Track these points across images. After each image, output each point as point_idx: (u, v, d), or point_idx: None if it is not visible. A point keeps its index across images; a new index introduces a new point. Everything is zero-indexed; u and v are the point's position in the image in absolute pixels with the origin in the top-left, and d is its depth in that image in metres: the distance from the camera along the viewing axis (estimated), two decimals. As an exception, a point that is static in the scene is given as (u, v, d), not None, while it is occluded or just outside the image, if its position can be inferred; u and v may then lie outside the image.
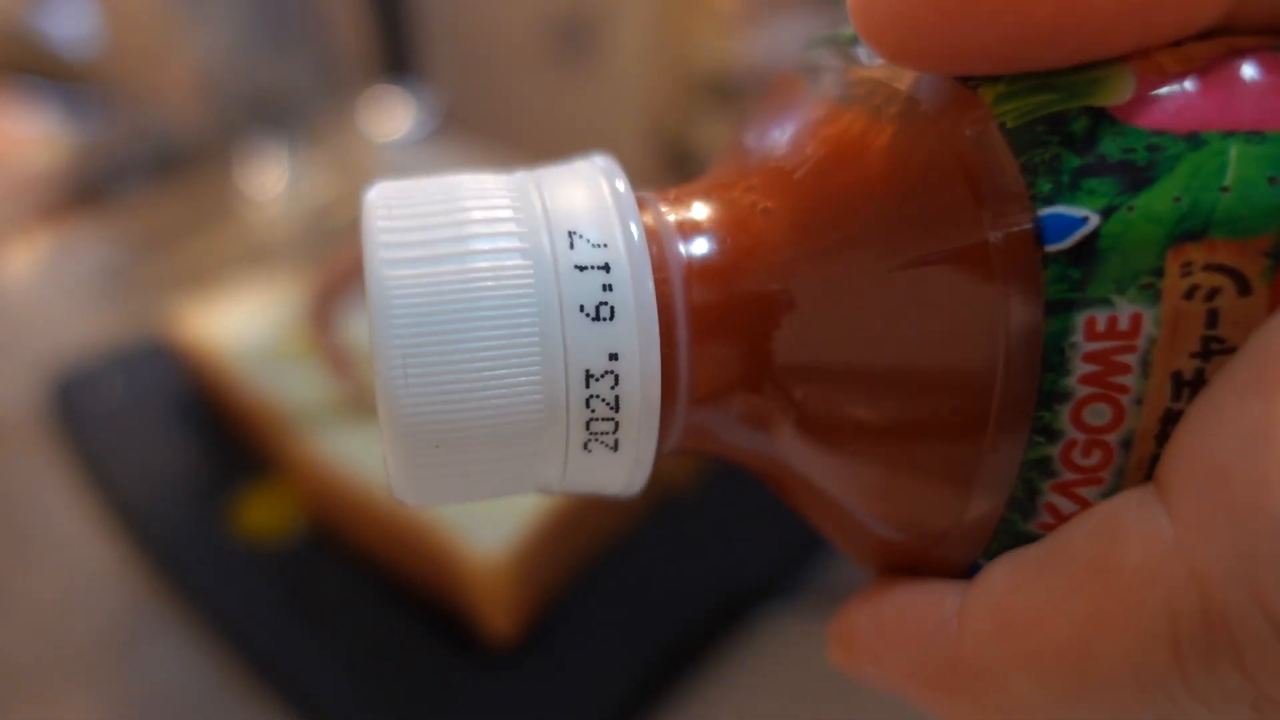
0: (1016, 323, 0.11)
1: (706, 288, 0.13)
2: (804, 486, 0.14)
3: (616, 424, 0.12)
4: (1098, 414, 0.11)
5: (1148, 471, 0.11)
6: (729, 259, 0.13)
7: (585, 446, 0.13)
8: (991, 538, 0.12)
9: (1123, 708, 0.11)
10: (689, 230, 0.13)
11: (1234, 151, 0.10)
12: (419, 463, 0.12)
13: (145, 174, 0.59)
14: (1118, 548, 0.11)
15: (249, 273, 0.49)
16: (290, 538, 0.36)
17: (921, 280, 0.12)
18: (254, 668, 0.32)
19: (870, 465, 0.13)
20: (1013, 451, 0.11)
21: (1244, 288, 0.10)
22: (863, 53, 0.13)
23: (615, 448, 0.13)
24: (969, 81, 0.12)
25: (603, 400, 0.12)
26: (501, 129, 0.64)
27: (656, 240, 0.13)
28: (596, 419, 0.12)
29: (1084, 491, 0.11)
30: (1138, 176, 0.11)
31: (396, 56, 0.65)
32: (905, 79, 0.12)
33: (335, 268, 0.40)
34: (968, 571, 0.13)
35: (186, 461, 0.40)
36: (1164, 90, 0.11)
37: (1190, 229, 0.10)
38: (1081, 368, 0.11)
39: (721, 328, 0.13)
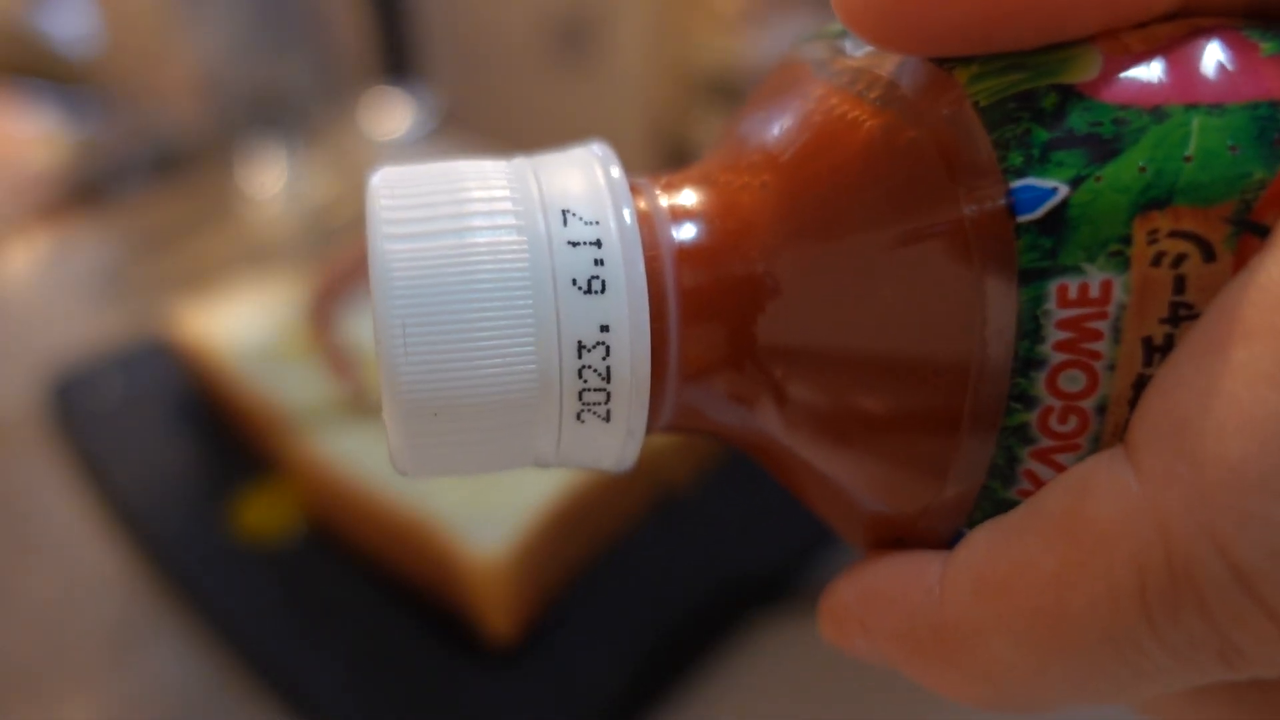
0: (992, 291, 0.11)
1: (696, 270, 0.13)
2: (792, 463, 0.14)
3: (608, 394, 0.13)
4: (1072, 380, 0.11)
5: (1122, 436, 0.12)
6: (718, 242, 0.13)
7: (579, 417, 0.13)
8: (974, 506, 0.12)
9: (1097, 662, 0.11)
10: (681, 214, 0.13)
11: (1196, 123, 0.11)
12: (418, 432, 0.13)
13: (145, 174, 0.59)
14: (1087, 506, 0.11)
15: (249, 273, 0.49)
16: (290, 538, 0.36)
17: (900, 255, 0.12)
18: (254, 668, 0.32)
19: (853, 439, 0.13)
20: (991, 420, 0.12)
21: (1209, 254, 0.11)
22: (849, 44, 0.14)
23: (608, 418, 0.13)
24: (945, 64, 0.12)
25: (595, 371, 0.13)
26: (501, 129, 0.64)
27: (649, 223, 0.13)
28: (589, 389, 0.13)
29: (1062, 458, 0.12)
30: (1104, 148, 0.11)
31: (396, 56, 0.65)
32: (886, 65, 0.13)
33: (335, 268, 0.40)
34: (952, 541, 0.13)
35: (186, 461, 0.40)
36: (1129, 67, 0.11)
37: (1155, 197, 0.11)
38: (1055, 334, 0.11)
39: (710, 308, 0.13)
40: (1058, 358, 0.11)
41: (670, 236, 0.13)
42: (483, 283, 0.12)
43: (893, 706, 0.30)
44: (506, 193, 0.13)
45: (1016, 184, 0.11)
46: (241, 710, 0.32)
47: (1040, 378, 0.11)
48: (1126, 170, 0.11)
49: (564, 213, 0.13)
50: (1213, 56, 0.11)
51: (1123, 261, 0.11)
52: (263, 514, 0.37)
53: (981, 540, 0.12)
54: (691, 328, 0.13)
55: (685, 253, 0.13)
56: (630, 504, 0.36)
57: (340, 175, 0.58)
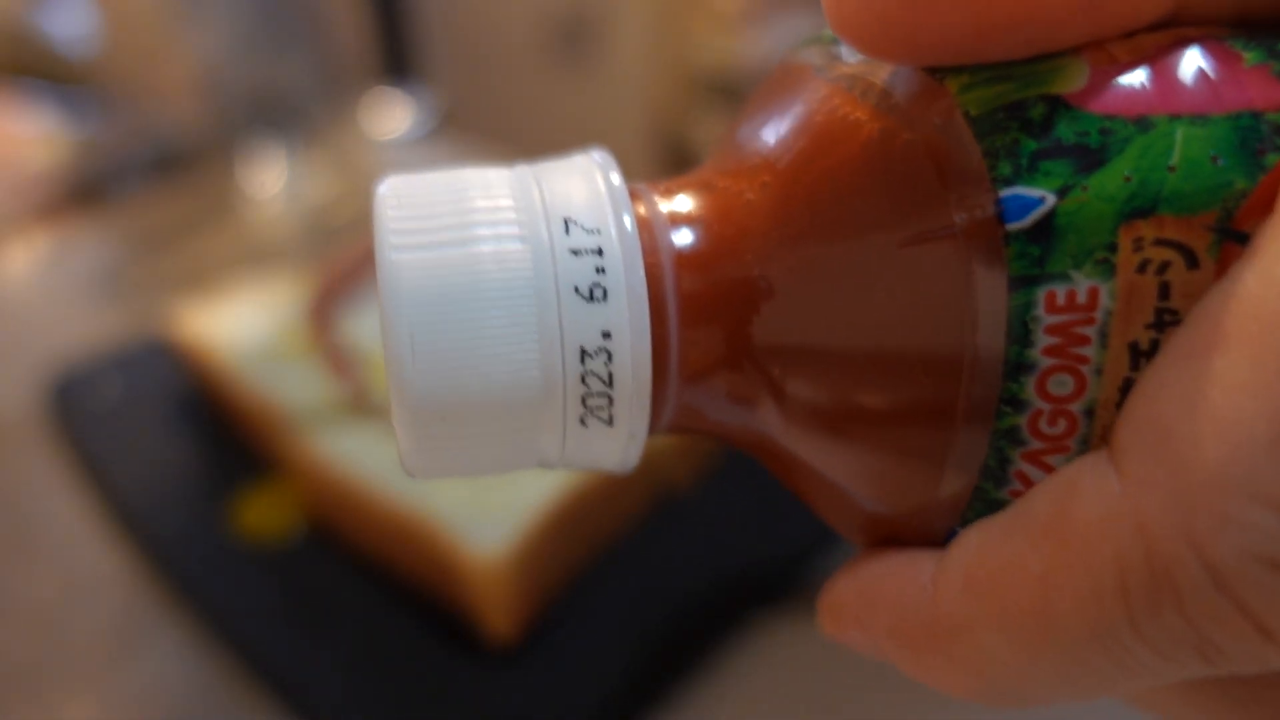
0: (981, 298, 0.12)
1: (695, 274, 0.13)
2: (791, 463, 0.15)
3: (611, 399, 0.13)
4: (1061, 384, 0.12)
5: (1107, 439, 0.12)
6: (715, 247, 0.14)
7: (582, 421, 0.13)
8: (967, 506, 0.13)
9: (1083, 658, 0.11)
10: (680, 220, 0.14)
11: (1180, 134, 0.11)
12: (426, 436, 0.13)
13: (144, 174, 0.59)
14: (1072, 507, 0.11)
15: (249, 273, 0.49)
16: (290, 538, 0.36)
17: (892, 261, 0.12)
18: (254, 668, 0.33)
19: (848, 440, 0.13)
20: (983, 423, 0.12)
21: (1192, 261, 0.11)
22: (844, 50, 0.14)
23: (610, 422, 0.14)
24: (936, 73, 0.12)
25: (597, 376, 0.13)
26: (501, 129, 0.64)
27: (648, 228, 0.14)
28: (592, 394, 0.13)
29: (1051, 459, 0.12)
30: (1091, 158, 0.11)
31: (396, 57, 0.65)
32: (880, 73, 0.13)
33: (335, 268, 0.40)
34: (946, 539, 0.13)
35: (186, 461, 0.40)
36: (1115, 78, 0.12)
37: (1140, 206, 0.11)
38: (1044, 340, 0.12)
39: (709, 311, 0.13)
40: (1046, 362, 0.12)
41: (669, 242, 0.14)
42: (488, 292, 0.13)
43: (891, 706, 0.31)
44: (510, 202, 0.13)
45: (1005, 193, 0.12)
46: (241, 710, 0.32)
47: (1030, 382, 0.12)
48: (1112, 180, 0.11)
49: (566, 221, 0.13)
50: (1197, 67, 0.12)
51: (1109, 269, 0.11)
52: (263, 514, 0.37)
53: (973, 539, 0.13)
54: (691, 331, 0.13)
55: (684, 258, 0.13)
56: (630, 504, 0.36)
57: (340, 175, 0.58)
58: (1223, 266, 0.11)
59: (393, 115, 0.63)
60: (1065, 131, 0.12)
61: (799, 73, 0.15)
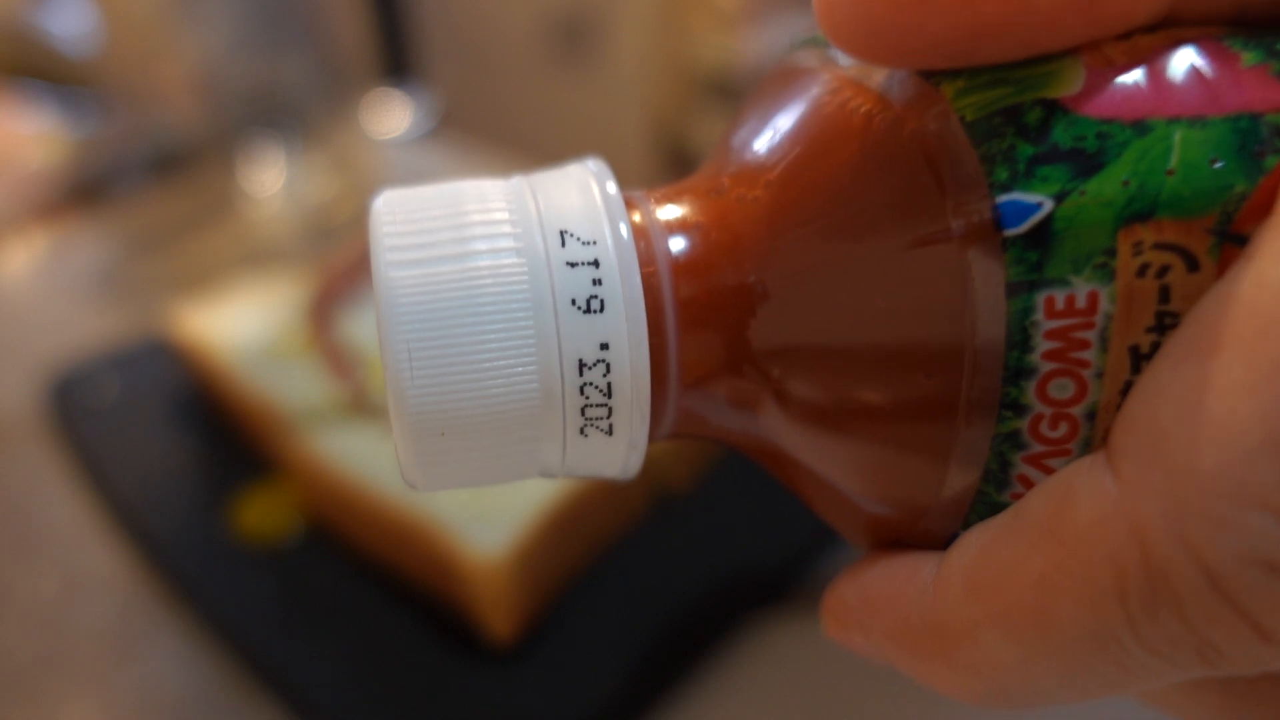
0: (980, 304, 0.12)
1: (692, 281, 0.13)
2: (794, 466, 0.15)
3: (610, 409, 0.13)
4: (1062, 388, 0.12)
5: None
6: (712, 254, 0.14)
7: (582, 431, 0.14)
8: (969, 509, 0.13)
9: (1083, 660, 0.11)
10: (676, 227, 0.14)
11: (1178, 136, 0.11)
12: (427, 450, 0.13)
13: (144, 173, 0.60)
14: (1069, 509, 0.11)
15: (248, 272, 0.49)
16: (290, 538, 0.36)
17: (890, 267, 0.12)
18: (254, 668, 0.33)
19: (850, 443, 0.13)
20: (984, 426, 0.12)
21: (1192, 264, 0.11)
22: (839, 53, 0.14)
23: (610, 432, 0.14)
24: (931, 77, 0.12)
25: (596, 387, 0.13)
26: (501, 129, 0.64)
27: (645, 237, 0.14)
28: (591, 405, 0.13)
29: (1053, 462, 0.12)
30: (1088, 163, 0.11)
31: (396, 57, 0.65)
32: (875, 78, 0.13)
33: (334, 267, 0.40)
34: (948, 542, 0.13)
35: (186, 461, 0.40)
36: (1112, 81, 0.12)
37: (1139, 210, 0.11)
38: (1044, 344, 0.12)
39: (706, 318, 0.13)
40: (1047, 366, 0.12)
41: (666, 249, 0.14)
42: (485, 306, 0.13)
43: (891, 707, 0.31)
44: (505, 215, 0.13)
45: (1002, 199, 0.11)
46: (241, 710, 0.32)
47: (1030, 386, 0.12)
48: (1110, 184, 0.11)
49: (562, 234, 0.13)
50: (1194, 68, 0.11)
51: (1108, 273, 0.11)
52: (262, 514, 0.37)
53: (973, 542, 0.13)
54: (689, 337, 0.13)
55: (681, 265, 0.13)
56: (630, 504, 0.36)
57: (340, 175, 0.58)
58: (1223, 269, 0.11)
59: (392, 115, 0.63)
60: (1062, 136, 0.11)
61: (794, 77, 0.15)
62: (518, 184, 0.14)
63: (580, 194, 0.14)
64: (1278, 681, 0.12)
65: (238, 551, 0.36)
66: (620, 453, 0.14)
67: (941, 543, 0.13)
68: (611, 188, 0.14)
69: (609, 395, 0.13)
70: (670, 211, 0.14)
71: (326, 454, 0.35)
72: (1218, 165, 0.11)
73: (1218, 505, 0.10)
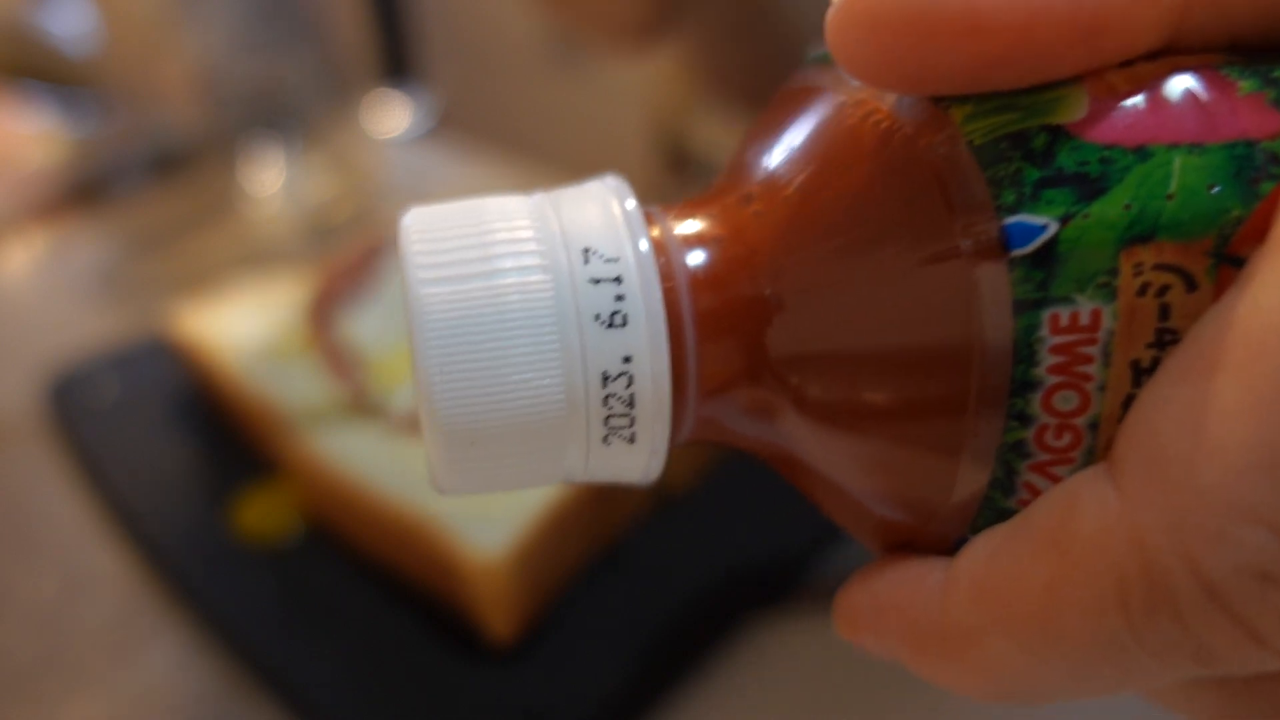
0: (988, 321, 0.12)
1: (710, 294, 0.14)
2: (809, 471, 0.15)
3: (632, 419, 0.14)
4: (1066, 400, 0.12)
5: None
6: (729, 267, 0.14)
7: (605, 440, 0.14)
8: (976, 514, 0.14)
9: (1087, 661, 0.12)
10: (693, 241, 0.15)
11: (1177, 162, 0.12)
12: (457, 458, 0.14)
13: (143, 173, 0.60)
14: (1073, 519, 0.12)
15: (248, 272, 0.49)
16: (289, 537, 0.36)
17: (901, 284, 0.13)
18: (254, 667, 0.33)
19: (863, 449, 0.14)
20: (991, 436, 0.13)
21: (1191, 284, 0.12)
22: None
23: (632, 440, 0.14)
24: (941, 102, 0.13)
25: (619, 398, 0.14)
26: (501, 129, 0.65)
27: (664, 252, 0.14)
28: (614, 415, 0.14)
29: (1057, 470, 0.13)
30: (1092, 187, 0.12)
31: (396, 57, 0.65)
32: (887, 99, 0.14)
33: (334, 267, 0.41)
34: (956, 546, 0.14)
35: (185, 461, 0.41)
36: (1114, 107, 0.12)
37: (1140, 233, 0.12)
38: (1049, 359, 0.12)
39: (724, 329, 0.14)
40: (1052, 380, 0.12)
41: (684, 264, 0.14)
42: (513, 322, 0.13)
43: (891, 707, 0.31)
44: (530, 233, 0.14)
45: (1009, 220, 0.12)
46: (241, 710, 0.32)
47: (1036, 398, 0.12)
48: (1112, 208, 0.12)
49: (585, 251, 0.14)
50: (1193, 96, 0.12)
51: (1110, 292, 0.12)
52: (262, 514, 0.37)
53: (980, 549, 0.13)
54: (708, 348, 0.14)
55: (699, 279, 0.14)
56: (630, 504, 0.36)
57: (339, 175, 0.59)
58: (1220, 288, 0.12)
59: (392, 115, 0.63)
60: (1067, 161, 0.12)
61: (807, 95, 0.15)
62: (540, 201, 0.15)
63: (601, 211, 0.14)
64: (1271, 680, 0.13)
65: (238, 551, 0.36)
66: (642, 459, 0.15)
67: (950, 547, 0.14)
68: (631, 204, 0.14)
69: (631, 405, 0.14)
70: (687, 227, 0.15)
71: (326, 454, 0.35)
72: (1215, 190, 0.12)
73: (1214, 520, 0.11)
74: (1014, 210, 0.12)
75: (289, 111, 0.59)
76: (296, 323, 0.40)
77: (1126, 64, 0.13)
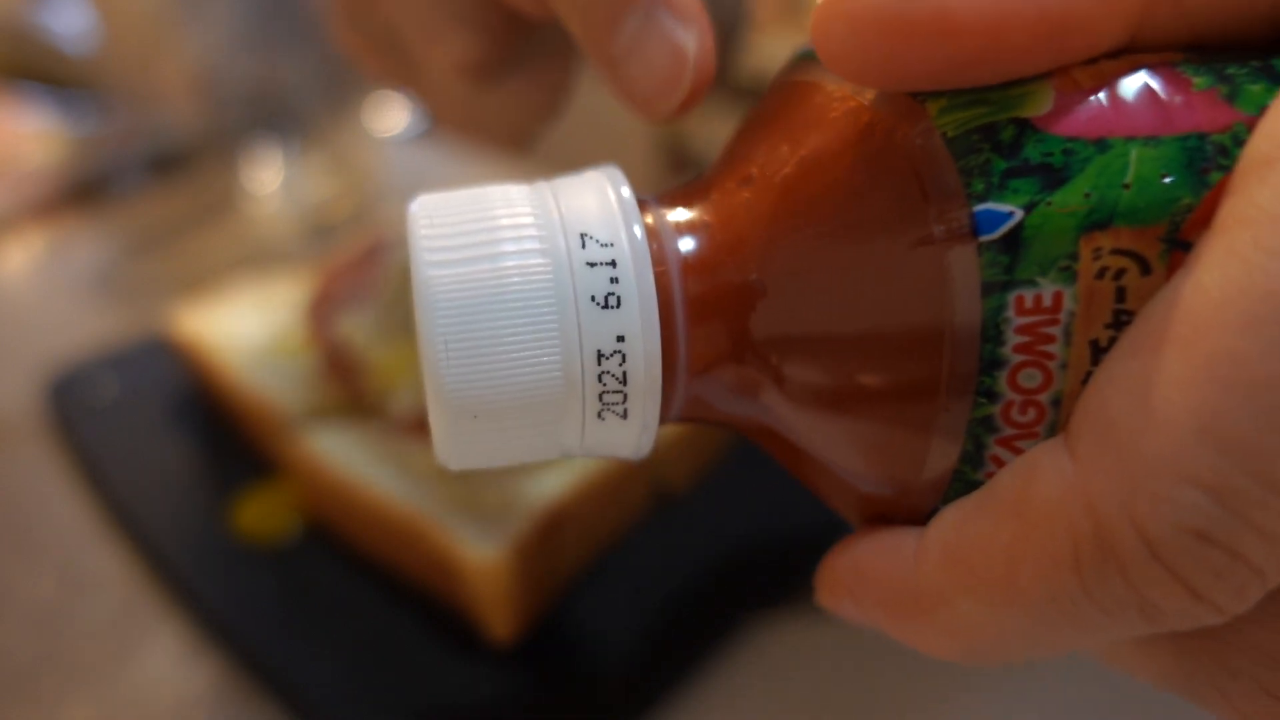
0: (958, 302, 0.13)
1: (699, 278, 0.15)
2: (792, 447, 0.16)
3: (625, 395, 0.15)
4: (1030, 378, 0.13)
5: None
6: (717, 253, 0.15)
7: (599, 415, 0.15)
8: (948, 487, 0.15)
9: (1045, 619, 0.13)
10: (684, 228, 0.16)
11: (1134, 154, 0.13)
12: (460, 430, 0.15)
13: (142, 172, 0.60)
14: (1032, 487, 0.13)
15: (247, 271, 0.50)
16: (289, 537, 0.37)
17: (879, 267, 0.14)
18: (253, 667, 0.33)
19: (843, 424, 0.15)
20: (961, 412, 0.14)
21: (1145, 268, 0.13)
22: None
23: (625, 416, 0.15)
24: (917, 96, 0.14)
25: (612, 375, 0.15)
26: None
27: (656, 238, 0.15)
28: (608, 392, 0.15)
29: (1022, 444, 0.14)
30: (1055, 176, 0.13)
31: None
32: (867, 94, 0.15)
33: (333, 267, 0.41)
34: (929, 516, 0.15)
35: (185, 461, 0.41)
36: (1078, 103, 0.13)
37: (1098, 220, 0.13)
38: (1014, 338, 0.13)
39: (713, 311, 0.15)
40: (1017, 358, 0.13)
41: (676, 249, 0.15)
42: (514, 302, 0.14)
43: (891, 706, 0.31)
44: (531, 219, 0.15)
45: (979, 208, 0.13)
46: (241, 710, 0.33)
47: (1003, 376, 0.13)
48: (1073, 196, 0.13)
49: (582, 236, 0.15)
50: (1150, 92, 0.13)
51: (1071, 275, 0.13)
52: (262, 514, 0.38)
53: (949, 517, 0.15)
54: (697, 329, 0.15)
55: (689, 264, 0.15)
56: (630, 504, 0.37)
57: (339, 175, 0.59)
58: (1172, 272, 0.13)
59: (391, 114, 0.64)
60: (1032, 152, 0.13)
61: (793, 90, 0.16)
62: (541, 188, 0.16)
63: (598, 198, 0.15)
64: (1215, 637, 0.14)
65: (237, 551, 0.36)
66: (634, 434, 0.16)
67: (924, 518, 0.15)
68: (626, 192, 0.15)
69: (624, 383, 0.15)
70: (679, 214, 0.16)
71: (326, 454, 0.35)
72: (1168, 180, 0.13)
73: (1157, 483, 0.12)
74: (983, 198, 0.13)
75: (289, 111, 0.59)
76: (296, 322, 0.41)
77: (1091, 61, 0.14)
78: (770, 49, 0.48)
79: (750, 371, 0.15)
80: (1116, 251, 0.13)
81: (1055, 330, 0.13)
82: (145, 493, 0.39)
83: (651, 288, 0.15)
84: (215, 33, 0.56)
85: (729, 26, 0.42)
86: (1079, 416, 0.13)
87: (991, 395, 0.14)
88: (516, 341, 0.14)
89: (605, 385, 0.15)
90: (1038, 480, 0.13)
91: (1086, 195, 0.13)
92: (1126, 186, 0.13)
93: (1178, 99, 0.13)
